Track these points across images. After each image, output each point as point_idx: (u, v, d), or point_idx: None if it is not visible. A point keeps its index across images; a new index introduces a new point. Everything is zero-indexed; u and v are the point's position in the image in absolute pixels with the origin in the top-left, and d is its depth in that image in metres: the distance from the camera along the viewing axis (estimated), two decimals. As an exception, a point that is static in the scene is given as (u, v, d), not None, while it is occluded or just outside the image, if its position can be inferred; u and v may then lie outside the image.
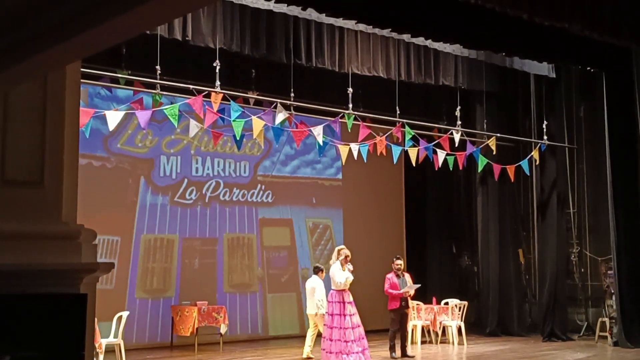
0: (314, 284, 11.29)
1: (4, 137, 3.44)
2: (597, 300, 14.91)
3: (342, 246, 11.20)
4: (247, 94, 12.46)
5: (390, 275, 11.63)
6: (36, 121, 3.54)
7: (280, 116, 11.13)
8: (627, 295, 13.18)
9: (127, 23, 1.83)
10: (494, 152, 14.08)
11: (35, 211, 3.50)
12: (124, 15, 1.74)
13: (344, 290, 10.51)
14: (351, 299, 10.60)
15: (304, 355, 11.34)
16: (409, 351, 11.81)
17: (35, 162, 3.53)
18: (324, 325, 10.62)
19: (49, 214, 3.54)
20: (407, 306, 11.79)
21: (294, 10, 11.04)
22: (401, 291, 11.49)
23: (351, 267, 10.62)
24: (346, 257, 10.66)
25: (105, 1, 1.91)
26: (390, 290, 11.53)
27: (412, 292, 11.77)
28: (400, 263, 11.77)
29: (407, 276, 11.84)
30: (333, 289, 10.58)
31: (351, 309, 10.53)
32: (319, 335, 11.07)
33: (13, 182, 3.47)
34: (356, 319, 10.54)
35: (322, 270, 11.49)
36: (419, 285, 12.05)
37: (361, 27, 11.92)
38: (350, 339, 10.36)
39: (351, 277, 10.55)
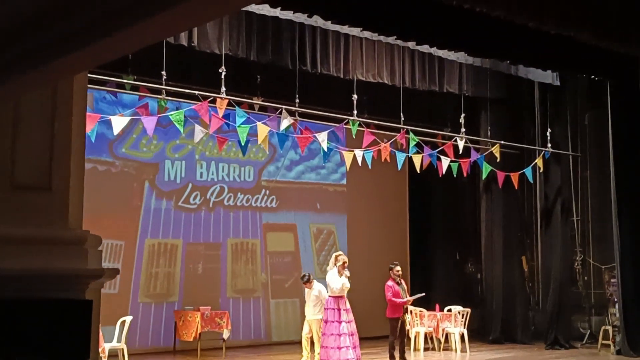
0: (320, 288, 11.23)
1: (14, 142, 3.46)
2: (600, 308, 14.89)
3: (340, 252, 11.17)
4: (252, 99, 12.48)
5: (391, 283, 11.20)
6: (44, 126, 3.56)
7: (285, 122, 11.16)
8: (630, 304, 13.14)
9: (139, 34, 1.85)
10: (498, 160, 14.08)
11: (42, 216, 3.52)
12: (136, 26, 1.76)
13: (340, 296, 10.49)
14: (348, 306, 10.55)
15: None
16: (408, 358, 11.73)
17: (43, 167, 3.54)
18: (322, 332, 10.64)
19: (56, 219, 3.55)
20: (405, 312, 11.64)
21: (300, 17, 11.07)
22: (405, 300, 11.21)
23: (348, 274, 10.59)
24: (344, 263, 10.61)
25: (114, 13, 1.93)
26: (395, 299, 11.09)
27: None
28: (399, 269, 11.43)
29: (403, 282, 11.69)
30: (330, 296, 10.58)
31: (347, 316, 10.51)
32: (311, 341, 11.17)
33: (21, 187, 3.48)
34: (352, 326, 10.52)
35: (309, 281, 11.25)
36: (424, 294, 11.94)
37: (366, 34, 11.94)
38: (345, 345, 10.35)
39: (348, 284, 10.52)
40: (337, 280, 10.48)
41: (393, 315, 11.20)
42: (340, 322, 10.39)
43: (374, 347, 12.78)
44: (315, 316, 10.99)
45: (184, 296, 13.20)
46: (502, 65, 13.87)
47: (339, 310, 10.44)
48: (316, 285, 11.14)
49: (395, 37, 11.82)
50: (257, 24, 10.97)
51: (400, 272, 11.49)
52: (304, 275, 11.37)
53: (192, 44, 10.36)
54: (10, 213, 3.42)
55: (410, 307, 12.89)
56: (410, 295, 11.61)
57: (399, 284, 11.37)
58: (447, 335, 13.50)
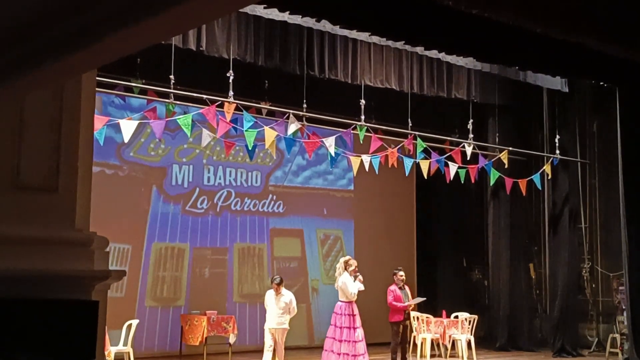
0: (291, 297, 10.67)
1: (20, 142, 3.47)
2: (608, 316, 14.83)
3: (349, 257, 11.09)
4: (260, 104, 12.50)
5: (393, 288, 11.33)
6: (51, 127, 3.56)
7: (293, 127, 11.17)
8: (638, 312, 13.08)
9: (144, 32, 1.85)
10: (506, 166, 14.05)
11: (49, 217, 3.52)
12: (141, 24, 1.76)
13: (351, 302, 10.47)
14: (357, 311, 10.54)
15: None
16: None
17: (50, 168, 3.55)
18: (328, 337, 10.55)
19: (62, 220, 3.56)
20: (408, 318, 11.65)
21: (309, 22, 11.09)
22: (406, 304, 11.26)
23: (361, 278, 10.57)
24: (355, 267, 10.60)
25: (120, 11, 1.93)
26: (395, 303, 11.21)
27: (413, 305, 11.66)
28: (403, 274, 11.47)
29: (407, 288, 11.69)
30: (342, 301, 10.51)
31: (359, 321, 10.47)
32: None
33: (28, 188, 3.49)
34: (362, 332, 10.48)
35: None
36: (425, 298, 11.94)
37: (375, 39, 11.94)
38: (360, 352, 10.29)
39: (362, 288, 10.51)
40: (353, 285, 10.44)
41: (394, 319, 11.31)
42: (354, 329, 10.34)
43: (379, 353, 12.74)
44: (282, 326, 10.49)
45: (190, 300, 13.20)
46: (511, 71, 13.85)
47: (353, 316, 10.41)
48: (285, 292, 10.60)
49: (403, 42, 11.82)
50: (265, 29, 10.99)
51: (403, 278, 11.49)
52: (276, 277, 10.63)
53: (201, 48, 10.39)
54: (17, 214, 3.42)
55: (416, 314, 12.90)
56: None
57: (401, 289, 11.38)
58: (453, 341, 13.45)
